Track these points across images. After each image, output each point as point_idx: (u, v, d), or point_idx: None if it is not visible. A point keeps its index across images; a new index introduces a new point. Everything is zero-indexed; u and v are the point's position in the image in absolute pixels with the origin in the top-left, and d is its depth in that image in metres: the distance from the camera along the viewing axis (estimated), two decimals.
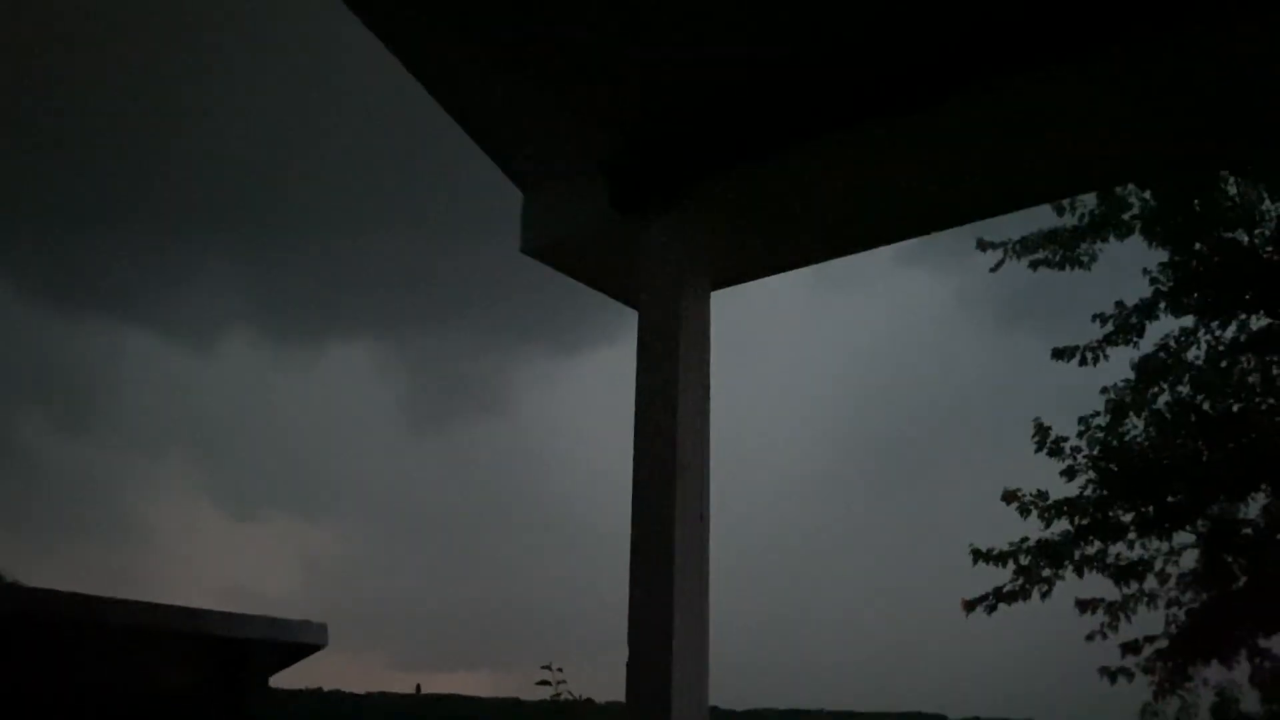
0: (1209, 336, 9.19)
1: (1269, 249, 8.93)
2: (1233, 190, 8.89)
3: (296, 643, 2.21)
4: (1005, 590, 9.23)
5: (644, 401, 2.16)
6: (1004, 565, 9.17)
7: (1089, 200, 9.12)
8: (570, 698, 8.79)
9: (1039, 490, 9.30)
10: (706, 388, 2.21)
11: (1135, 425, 9.27)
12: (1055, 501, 9.21)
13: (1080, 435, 9.31)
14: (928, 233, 2.41)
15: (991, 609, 9.29)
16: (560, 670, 8.73)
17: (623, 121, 2.35)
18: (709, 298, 2.31)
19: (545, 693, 8.84)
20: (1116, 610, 9.23)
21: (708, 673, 1.97)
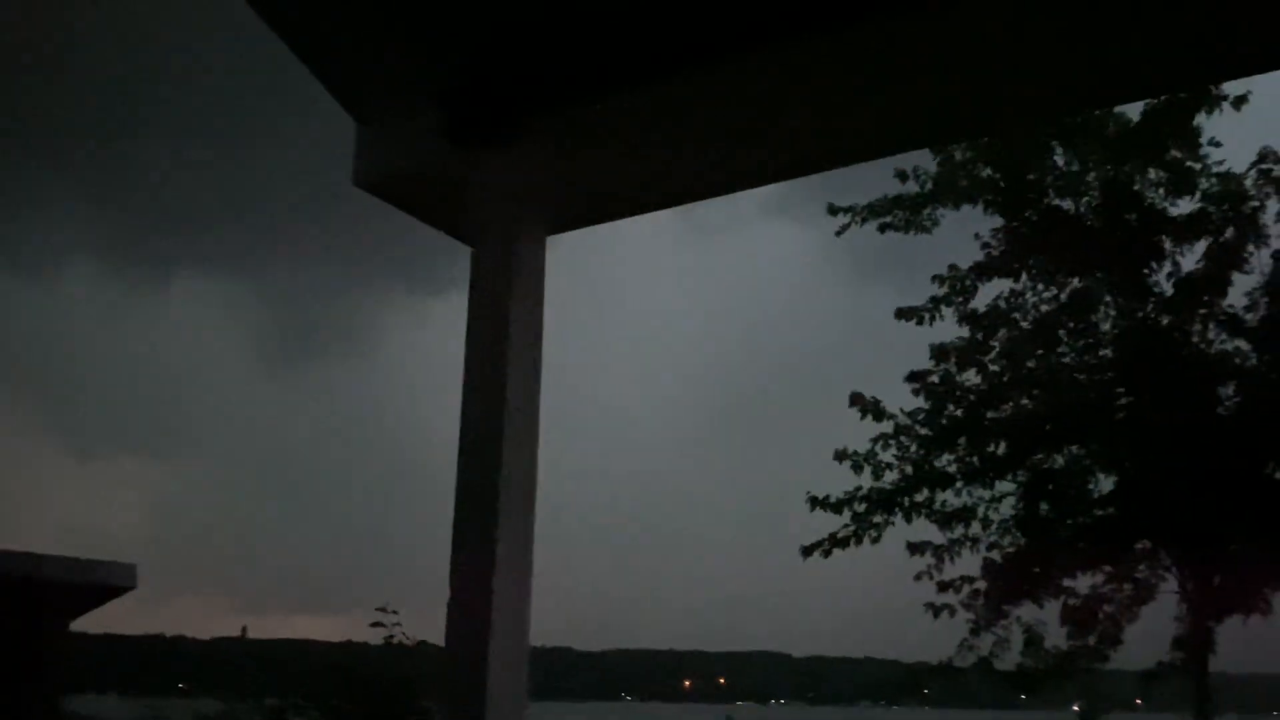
0: (1035, 299, 9.77)
1: (1091, 217, 9.49)
2: (1061, 160, 9.40)
3: (99, 584, 2.08)
4: (840, 536, 9.70)
5: (474, 344, 2.13)
6: (839, 513, 9.63)
7: (931, 167, 9.53)
8: (404, 640, 8.77)
9: (869, 449, 9.75)
10: (539, 333, 2.18)
11: (965, 378, 9.81)
12: (884, 461, 9.71)
13: (916, 394, 9.81)
14: (776, 181, 2.40)
15: (827, 554, 9.75)
16: (396, 613, 8.67)
17: (462, 50, 2.27)
18: (545, 240, 2.27)
19: (383, 635, 8.78)
20: (942, 553, 9.82)
21: (529, 615, 1.98)
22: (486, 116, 2.20)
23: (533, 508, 2.02)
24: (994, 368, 9.75)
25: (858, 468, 9.69)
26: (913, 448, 9.70)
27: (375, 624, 8.77)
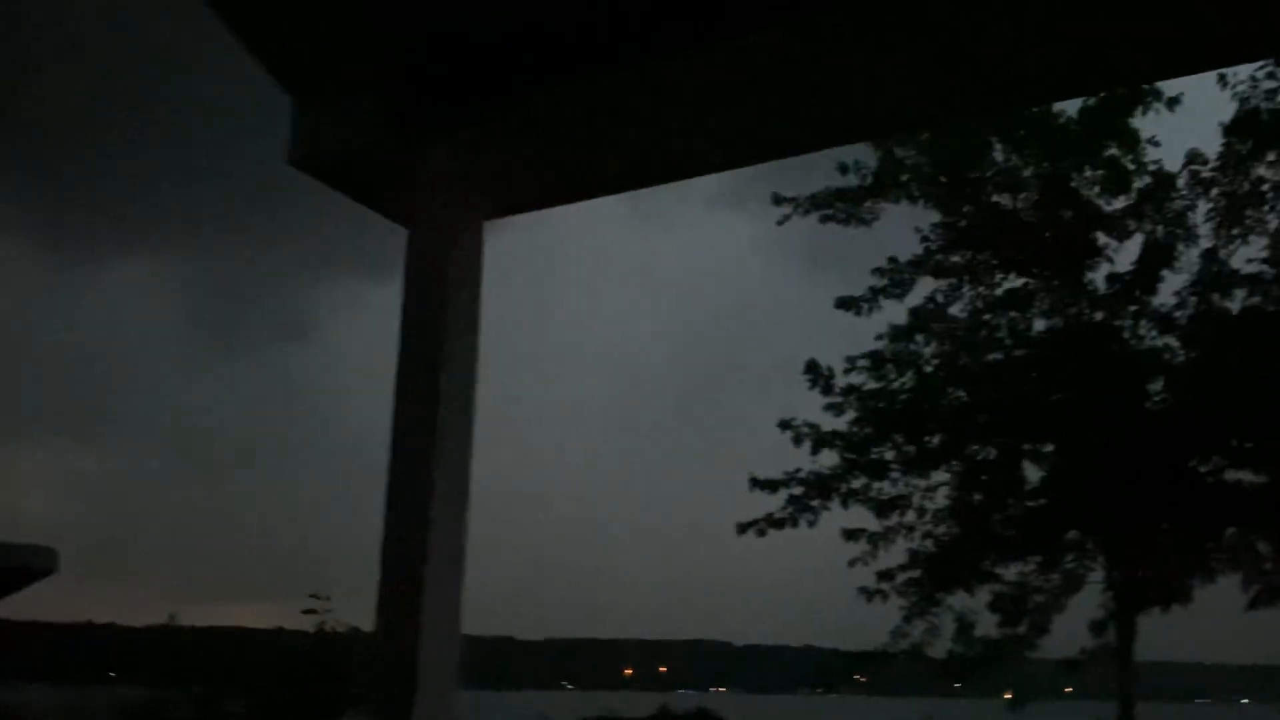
0: (972, 293, 9.94)
1: (1029, 214, 9.66)
2: (1000, 157, 9.55)
3: (15, 567, 2.02)
4: (776, 517, 9.85)
5: (409, 328, 2.10)
6: (775, 492, 9.79)
7: (871, 161, 9.67)
8: (337, 628, 8.70)
9: (809, 422, 9.92)
10: (476, 319, 2.17)
11: (897, 375, 9.98)
12: (825, 433, 9.86)
13: (846, 373, 9.97)
14: (720, 170, 2.39)
15: (761, 533, 9.93)
16: (328, 599, 8.60)
17: (402, 32, 2.24)
18: (483, 226, 2.26)
19: (315, 622, 8.69)
20: (877, 540, 9.98)
21: (461, 602, 1.97)
22: (426, 100, 2.18)
23: (466, 496, 2.00)
24: (928, 368, 9.93)
25: (798, 441, 9.88)
26: (853, 429, 9.89)
27: (307, 611, 8.70)
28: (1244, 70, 8.77)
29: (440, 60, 2.20)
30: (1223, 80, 8.95)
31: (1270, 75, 8.69)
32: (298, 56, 2.38)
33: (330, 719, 8.64)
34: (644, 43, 2.03)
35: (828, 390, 9.94)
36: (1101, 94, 8.69)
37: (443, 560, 1.92)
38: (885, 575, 9.89)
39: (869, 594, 9.86)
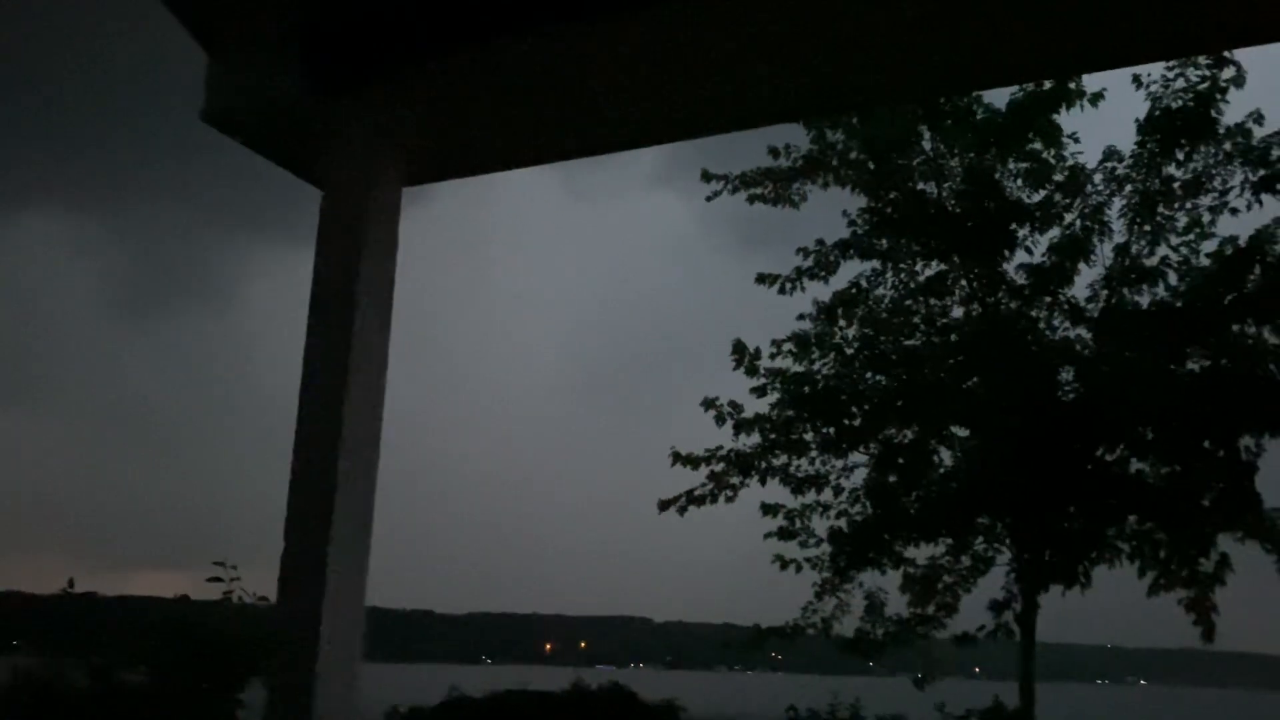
0: (895, 279, 10.11)
1: (953, 201, 9.83)
2: (927, 145, 9.70)
3: None
4: (696, 494, 9.96)
5: (320, 293, 2.06)
6: (698, 469, 9.89)
7: (802, 143, 9.75)
8: (244, 597, 8.57)
9: (732, 401, 9.99)
10: (390, 285, 2.13)
11: (820, 357, 10.12)
12: (746, 418, 9.98)
13: (772, 357, 10.09)
14: (649, 145, 2.37)
15: (683, 510, 10.02)
16: (235, 568, 8.46)
17: None
18: (400, 192, 2.21)
19: (221, 591, 8.54)
20: (794, 516, 10.14)
21: (366, 572, 1.94)
22: (339, 57, 2.12)
23: (375, 465, 1.98)
24: (849, 350, 10.09)
25: (721, 420, 9.99)
26: (775, 412, 10.03)
27: (213, 579, 8.55)
28: (1155, 69, 9.03)
29: (357, 16, 2.15)
30: (1137, 80, 9.19)
31: (1180, 75, 8.96)
32: (210, 9, 2.31)
33: (233, 691, 8.53)
34: (573, 5, 1.99)
35: (752, 371, 10.06)
36: (1030, 84, 8.88)
37: (348, 529, 1.89)
38: (788, 534, 10.03)
39: (783, 563, 10.03)
